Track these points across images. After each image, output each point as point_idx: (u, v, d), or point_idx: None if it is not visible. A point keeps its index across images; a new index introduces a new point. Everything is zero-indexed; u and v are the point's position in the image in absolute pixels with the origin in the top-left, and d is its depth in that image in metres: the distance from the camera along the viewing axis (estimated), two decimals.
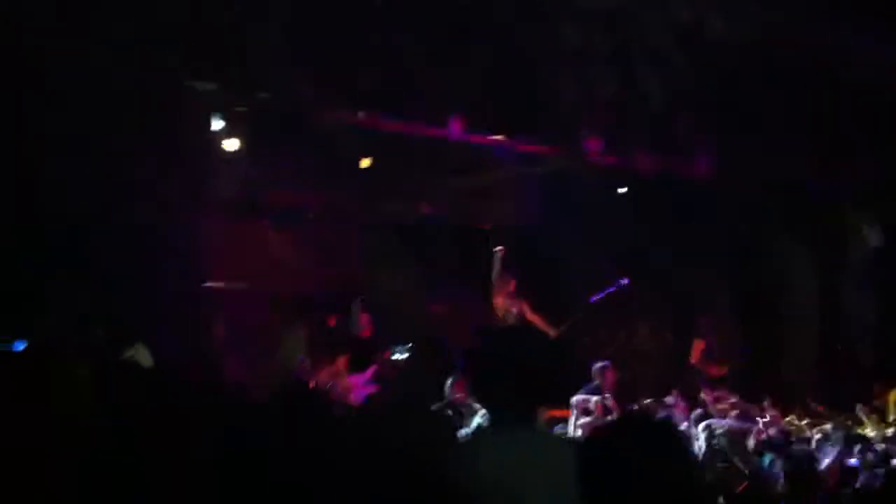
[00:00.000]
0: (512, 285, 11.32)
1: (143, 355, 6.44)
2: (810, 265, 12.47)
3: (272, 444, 3.32)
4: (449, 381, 9.72)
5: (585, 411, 8.76)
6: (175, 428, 3.14)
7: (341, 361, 10.05)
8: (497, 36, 9.38)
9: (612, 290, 11.58)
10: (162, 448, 2.94)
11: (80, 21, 7.70)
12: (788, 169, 10.67)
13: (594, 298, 11.55)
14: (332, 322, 10.93)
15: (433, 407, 8.72)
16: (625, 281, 11.57)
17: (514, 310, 11.23)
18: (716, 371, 12.19)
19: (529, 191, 12.48)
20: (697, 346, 12.47)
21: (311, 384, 9.77)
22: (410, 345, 11.37)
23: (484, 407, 3.04)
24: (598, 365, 10.18)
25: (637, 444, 2.30)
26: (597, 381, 9.89)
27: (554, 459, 2.79)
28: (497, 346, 3.05)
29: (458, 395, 9.54)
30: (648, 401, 9.90)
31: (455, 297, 12.93)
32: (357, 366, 10.04)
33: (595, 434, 2.61)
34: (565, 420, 8.85)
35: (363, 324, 10.44)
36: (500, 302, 11.36)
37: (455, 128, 10.08)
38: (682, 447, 2.42)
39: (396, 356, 11.20)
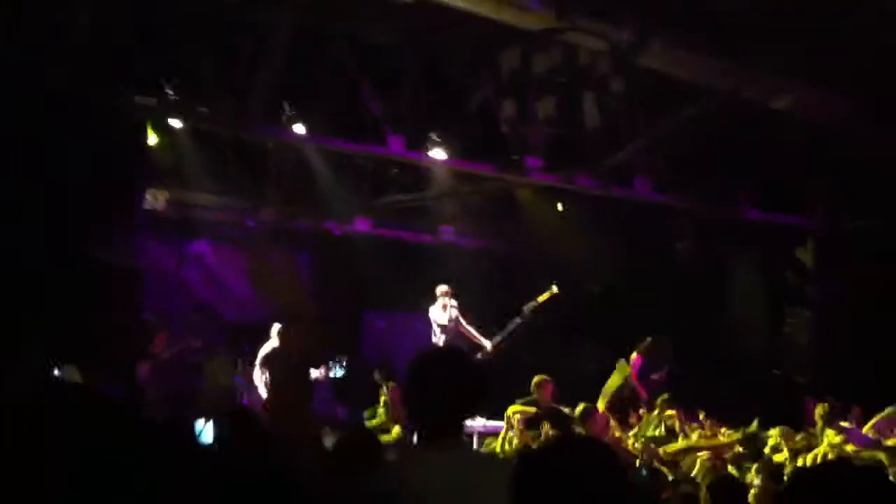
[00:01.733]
0: (448, 298, 11.34)
1: (74, 376, 6.33)
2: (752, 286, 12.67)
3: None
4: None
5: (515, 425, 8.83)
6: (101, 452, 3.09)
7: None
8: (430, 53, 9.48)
9: (544, 299, 11.63)
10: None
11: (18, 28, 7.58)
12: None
13: (526, 307, 11.55)
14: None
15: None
16: (555, 288, 11.62)
17: (450, 323, 11.25)
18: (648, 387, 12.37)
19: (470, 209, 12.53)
20: (634, 363, 12.60)
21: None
22: (345, 362, 11.36)
23: (415, 422, 3.03)
24: (537, 379, 10.20)
25: (572, 465, 2.30)
26: (534, 395, 9.90)
27: (482, 478, 2.79)
28: (429, 363, 3.05)
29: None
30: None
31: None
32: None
33: (529, 454, 2.61)
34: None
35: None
36: (437, 314, 11.38)
37: (396, 145, 10.07)
38: (618, 469, 2.44)
39: (333, 374, 11.18)
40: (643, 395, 12.17)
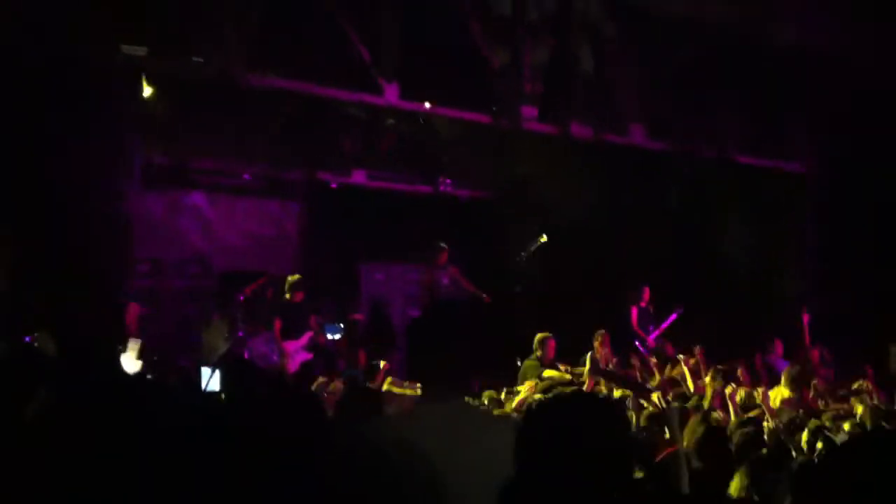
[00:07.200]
0: (443, 257, 11.32)
1: (45, 342, 6.22)
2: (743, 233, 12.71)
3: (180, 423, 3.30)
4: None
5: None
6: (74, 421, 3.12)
7: (277, 327, 10.03)
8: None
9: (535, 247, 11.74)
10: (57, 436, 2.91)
11: None
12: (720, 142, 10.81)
13: (519, 256, 11.63)
14: (270, 293, 10.83)
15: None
16: (544, 237, 11.74)
17: (445, 280, 11.23)
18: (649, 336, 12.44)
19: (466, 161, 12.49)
20: (634, 313, 12.63)
21: (246, 354, 9.78)
22: (342, 325, 11.43)
23: (419, 380, 2.98)
24: (540, 336, 10.18)
25: (576, 419, 2.32)
26: (538, 352, 9.88)
27: (484, 435, 2.78)
28: (432, 320, 3.00)
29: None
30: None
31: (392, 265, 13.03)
32: (290, 332, 10.04)
33: (534, 409, 2.61)
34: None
35: (295, 290, 10.36)
36: (428, 276, 11.36)
37: (391, 95, 10.02)
38: (621, 424, 2.45)
39: (329, 336, 11.23)
40: (646, 343, 12.28)
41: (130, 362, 8.54)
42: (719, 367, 9.35)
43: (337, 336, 11.52)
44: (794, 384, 8.80)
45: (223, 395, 5.41)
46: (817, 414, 7.62)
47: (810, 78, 9.60)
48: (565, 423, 2.29)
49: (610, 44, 9.09)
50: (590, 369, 9.72)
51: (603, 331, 11.47)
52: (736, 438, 5.92)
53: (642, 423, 6.69)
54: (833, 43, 8.31)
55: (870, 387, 9.16)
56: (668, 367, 9.70)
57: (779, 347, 11.16)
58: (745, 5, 7.87)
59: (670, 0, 7.53)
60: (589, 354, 10.09)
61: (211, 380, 8.51)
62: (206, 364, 8.89)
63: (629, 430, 2.43)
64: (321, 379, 9.29)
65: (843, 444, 5.19)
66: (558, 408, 2.45)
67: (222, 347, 9.76)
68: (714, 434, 5.59)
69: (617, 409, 2.43)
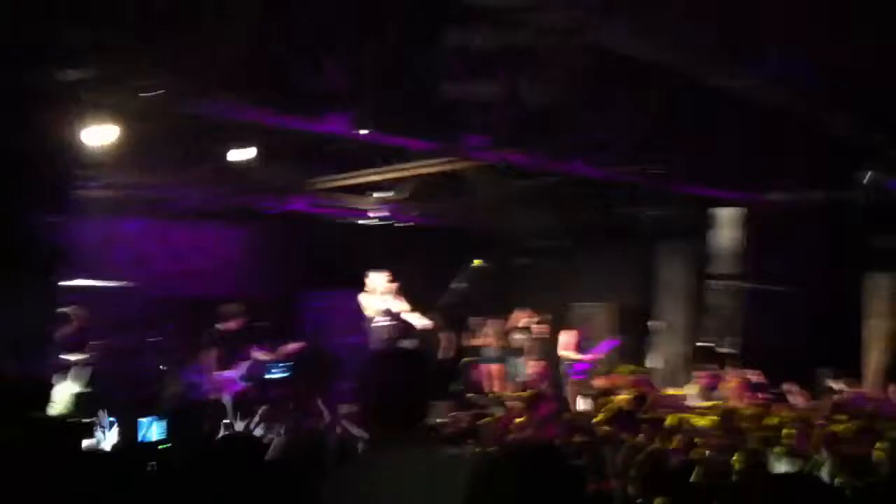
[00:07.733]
0: (384, 285, 11.26)
1: None
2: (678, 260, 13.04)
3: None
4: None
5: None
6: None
7: (211, 358, 9.85)
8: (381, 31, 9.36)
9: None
10: None
11: None
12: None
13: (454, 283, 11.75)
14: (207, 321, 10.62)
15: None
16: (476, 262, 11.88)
17: (392, 308, 11.17)
18: (583, 360, 12.59)
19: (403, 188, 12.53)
20: (564, 338, 12.79)
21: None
22: (289, 364, 11.30)
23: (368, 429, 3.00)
24: (464, 361, 10.26)
25: (526, 471, 2.42)
26: (462, 376, 9.96)
27: (434, 481, 2.77)
28: (382, 371, 3.03)
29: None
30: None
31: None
32: (225, 362, 9.86)
33: (486, 461, 2.71)
34: None
35: (232, 317, 10.19)
36: (370, 301, 11.28)
37: (337, 123, 9.93)
38: (570, 474, 2.56)
39: (272, 375, 11.07)
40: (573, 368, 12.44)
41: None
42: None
43: (278, 375, 11.37)
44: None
45: (168, 443, 5.31)
46: (745, 439, 7.78)
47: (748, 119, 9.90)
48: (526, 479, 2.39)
49: (559, 77, 9.19)
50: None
51: (541, 360, 11.60)
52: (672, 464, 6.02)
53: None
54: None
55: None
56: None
57: (706, 380, 11.36)
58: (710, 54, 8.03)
59: (633, 43, 7.61)
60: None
61: (150, 429, 8.26)
62: (165, 404, 8.72)
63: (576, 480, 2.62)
64: (259, 409, 9.18)
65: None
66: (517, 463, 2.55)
67: (171, 389, 9.55)
68: (651, 460, 5.71)
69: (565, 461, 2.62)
